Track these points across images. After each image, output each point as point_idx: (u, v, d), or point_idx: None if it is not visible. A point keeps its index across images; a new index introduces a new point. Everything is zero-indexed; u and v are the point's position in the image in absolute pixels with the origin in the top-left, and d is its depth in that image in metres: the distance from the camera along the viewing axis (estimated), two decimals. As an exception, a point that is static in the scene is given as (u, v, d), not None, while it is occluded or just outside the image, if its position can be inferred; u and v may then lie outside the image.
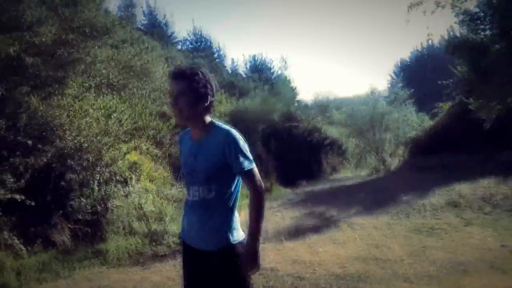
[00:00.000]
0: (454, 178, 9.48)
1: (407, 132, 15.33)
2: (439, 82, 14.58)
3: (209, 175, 2.27)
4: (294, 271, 5.17)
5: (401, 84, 16.74)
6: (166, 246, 6.74)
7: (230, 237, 2.29)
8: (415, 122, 15.88)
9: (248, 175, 2.27)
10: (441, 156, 11.95)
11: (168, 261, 6.15)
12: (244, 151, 2.26)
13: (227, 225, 2.31)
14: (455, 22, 12.47)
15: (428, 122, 15.74)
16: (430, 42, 43.41)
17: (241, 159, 2.23)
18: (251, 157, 2.29)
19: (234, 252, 2.28)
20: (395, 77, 38.25)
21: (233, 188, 2.33)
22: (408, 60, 47.61)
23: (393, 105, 15.80)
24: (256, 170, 2.30)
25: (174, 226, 7.23)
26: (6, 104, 6.85)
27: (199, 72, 2.29)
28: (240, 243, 2.31)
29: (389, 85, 22.23)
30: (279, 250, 6.09)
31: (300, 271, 5.15)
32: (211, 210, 2.29)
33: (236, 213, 2.38)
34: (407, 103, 16.00)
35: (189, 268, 2.43)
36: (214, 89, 2.35)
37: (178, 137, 2.64)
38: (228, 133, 2.26)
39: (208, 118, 2.35)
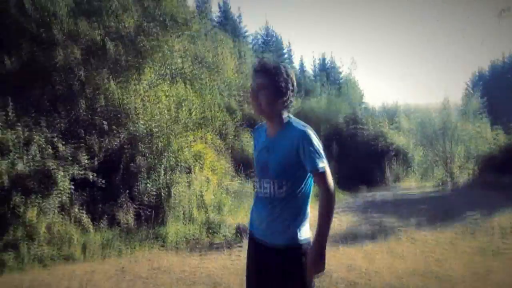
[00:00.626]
0: (528, 201, 8.87)
1: (479, 146, 14.55)
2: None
3: (281, 172, 2.25)
4: (348, 276, 5.08)
5: (477, 95, 15.89)
6: (222, 236, 6.88)
7: (298, 235, 2.28)
8: (489, 137, 15.04)
9: (320, 175, 2.22)
10: (515, 176, 11.20)
11: (223, 250, 6.28)
12: (318, 150, 2.21)
13: (296, 223, 2.29)
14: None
15: (503, 138, 14.82)
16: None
17: (315, 158, 2.19)
18: (324, 157, 2.24)
19: (300, 250, 2.26)
20: (471, 87, 36.28)
21: (304, 187, 2.30)
22: (487, 71, 45.17)
23: (467, 117, 15.07)
24: (328, 171, 2.24)
25: (231, 218, 7.35)
26: (86, 86, 7.24)
27: (282, 67, 2.27)
28: (308, 242, 2.29)
29: (465, 96, 21.11)
30: (334, 254, 6.00)
31: (355, 278, 5.05)
32: (281, 207, 2.28)
33: (307, 212, 2.35)
34: (482, 114, 15.21)
35: (254, 261, 2.45)
36: (295, 87, 2.34)
37: (253, 131, 2.63)
38: (303, 131, 2.24)
39: (285, 114, 2.34)
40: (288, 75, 2.27)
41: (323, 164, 2.21)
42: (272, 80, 2.24)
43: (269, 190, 2.31)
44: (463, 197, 10.35)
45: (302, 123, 2.34)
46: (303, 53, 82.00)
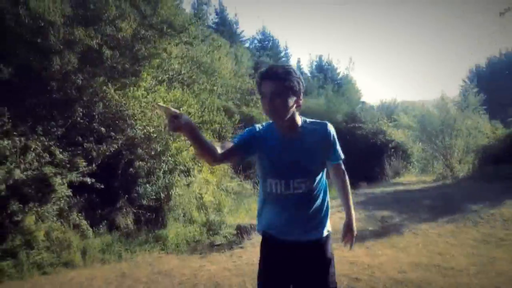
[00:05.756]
0: (529, 190, 8.85)
1: (478, 139, 14.52)
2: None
3: (315, 168, 2.34)
4: (351, 272, 5.06)
5: (475, 90, 15.83)
6: (222, 236, 6.87)
7: (328, 227, 2.41)
8: (488, 130, 15.01)
9: (342, 163, 2.53)
10: (515, 167, 11.17)
11: (224, 251, 6.26)
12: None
13: (326, 216, 2.42)
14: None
15: (502, 131, 14.79)
16: (510, 49, 41.24)
17: (339, 148, 2.44)
18: None
19: (328, 241, 2.41)
20: (468, 83, 36.31)
21: (323, 180, 2.41)
22: (484, 67, 45.19)
23: (465, 112, 15.05)
24: None
25: (231, 218, 7.32)
26: (84, 93, 7.24)
27: (291, 70, 2.26)
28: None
29: (462, 91, 21.00)
30: (336, 249, 5.89)
31: (357, 273, 5.03)
32: (315, 201, 2.35)
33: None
34: (480, 110, 15.19)
35: (278, 262, 2.38)
36: (304, 84, 2.35)
37: (250, 132, 2.43)
38: (328, 125, 2.38)
39: (297, 113, 2.35)
40: (298, 76, 2.28)
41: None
42: (286, 85, 2.22)
43: (303, 188, 2.30)
44: (464, 190, 10.31)
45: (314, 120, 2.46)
46: (300, 54, 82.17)
